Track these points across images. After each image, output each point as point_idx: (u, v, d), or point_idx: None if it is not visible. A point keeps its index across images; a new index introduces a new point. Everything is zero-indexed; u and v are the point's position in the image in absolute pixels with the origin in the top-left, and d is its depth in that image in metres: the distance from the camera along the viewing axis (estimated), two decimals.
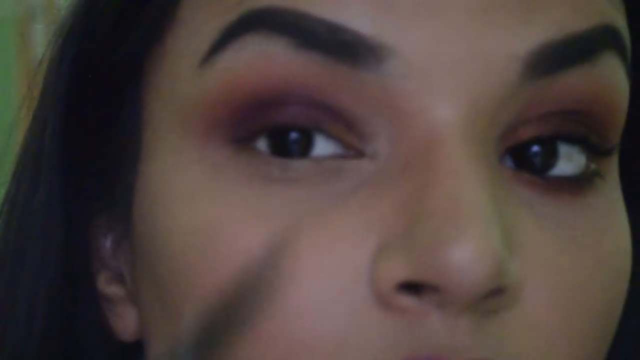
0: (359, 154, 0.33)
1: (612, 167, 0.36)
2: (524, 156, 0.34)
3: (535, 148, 0.34)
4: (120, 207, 0.38)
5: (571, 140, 0.34)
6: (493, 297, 0.30)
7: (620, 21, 0.35)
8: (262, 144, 0.33)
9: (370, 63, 0.32)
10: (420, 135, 0.32)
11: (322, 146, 0.33)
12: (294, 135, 0.33)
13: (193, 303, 0.33)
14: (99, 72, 0.37)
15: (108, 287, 0.39)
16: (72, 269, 0.39)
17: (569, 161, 0.34)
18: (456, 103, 0.32)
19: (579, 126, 0.34)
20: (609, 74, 0.34)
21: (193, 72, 0.34)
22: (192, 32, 0.34)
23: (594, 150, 0.35)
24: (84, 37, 0.37)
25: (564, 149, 0.34)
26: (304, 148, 0.33)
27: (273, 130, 0.33)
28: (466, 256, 0.29)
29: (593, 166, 0.35)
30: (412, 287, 0.31)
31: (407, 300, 0.31)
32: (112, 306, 0.39)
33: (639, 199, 0.40)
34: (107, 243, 0.39)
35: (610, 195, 0.36)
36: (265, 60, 0.32)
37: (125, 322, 0.39)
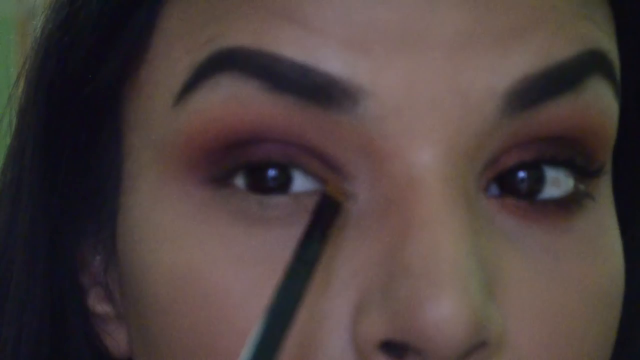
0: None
1: (603, 188, 0.35)
2: (510, 182, 0.33)
3: (522, 174, 0.33)
4: (107, 229, 0.37)
5: (556, 163, 0.33)
6: (476, 351, 0.30)
7: (606, 42, 0.34)
8: (240, 181, 0.32)
9: (344, 105, 0.31)
10: (398, 177, 0.31)
11: (301, 182, 0.32)
12: (271, 172, 0.32)
13: (170, 343, 0.33)
14: (76, 97, 0.37)
15: (99, 305, 0.39)
16: (62, 290, 0.38)
17: (556, 186, 0.34)
18: (434, 144, 0.31)
19: (563, 149, 0.33)
20: (595, 100, 0.33)
21: (167, 111, 0.33)
22: (165, 67, 0.34)
23: (581, 171, 0.34)
24: (58, 65, 0.37)
25: (550, 173, 0.33)
26: (283, 184, 0.32)
27: (250, 168, 0.32)
28: (444, 315, 0.29)
29: (582, 187, 0.34)
30: (393, 348, 0.30)
31: None
32: (104, 325, 0.39)
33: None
34: (97, 261, 0.39)
35: (601, 217, 0.35)
36: (237, 103, 0.32)
37: (116, 341, 0.38)
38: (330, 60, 0.31)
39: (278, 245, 0.32)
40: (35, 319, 0.38)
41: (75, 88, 0.36)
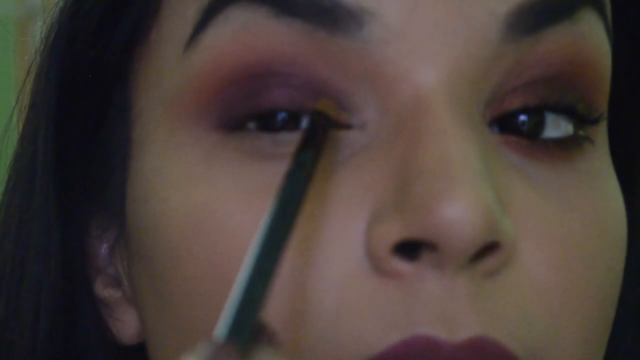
0: (347, 126, 0.33)
1: (600, 135, 0.36)
2: (511, 124, 0.34)
3: (522, 117, 0.34)
4: (113, 208, 0.37)
5: (558, 109, 0.34)
6: (488, 254, 0.30)
7: None
8: (251, 126, 0.33)
9: (349, 28, 0.32)
10: (405, 100, 0.32)
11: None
12: (282, 115, 0.33)
13: (189, 287, 0.33)
14: (86, 75, 0.37)
15: (106, 291, 0.39)
16: (71, 275, 0.39)
17: (556, 129, 0.34)
18: (438, 66, 0.32)
19: (565, 95, 0.34)
20: (589, 32, 0.34)
21: (178, 58, 0.34)
22: (176, 20, 0.34)
23: (581, 119, 0.35)
24: (69, 41, 0.37)
25: (550, 117, 0.34)
26: (293, 125, 0.33)
27: (260, 115, 0.33)
28: (458, 211, 0.29)
29: (581, 133, 0.35)
30: (407, 251, 0.30)
31: (402, 264, 0.30)
32: (111, 310, 0.39)
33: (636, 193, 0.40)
34: (103, 249, 0.39)
35: (600, 161, 0.36)
36: (247, 33, 0.32)
37: (124, 325, 0.38)
38: None
39: None
40: (52, 302, 0.38)
41: (86, 63, 0.37)
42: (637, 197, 0.41)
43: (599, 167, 0.35)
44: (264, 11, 0.32)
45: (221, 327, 0.26)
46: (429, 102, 0.31)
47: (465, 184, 0.30)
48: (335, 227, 0.32)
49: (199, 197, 0.33)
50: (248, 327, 0.27)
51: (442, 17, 0.32)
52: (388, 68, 0.32)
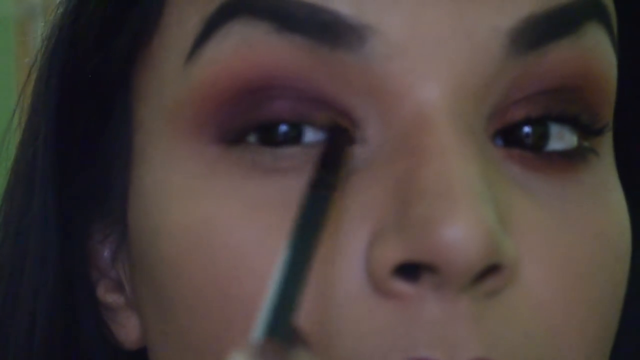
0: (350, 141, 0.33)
1: (606, 146, 0.36)
2: (515, 136, 0.33)
3: (527, 129, 0.34)
4: (115, 214, 0.37)
5: (562, 120, 0.34)
6: (490, 276, 0.30)
7: None
8: (252, 138, 0.33)
9: (351, 44, 0.32)
10: (407, 117, 0.32)
11: (312, 135, 0.33)
12: (283, 127, 0.33)
13: (191, 299, 0.33)
14: (87, 81, 0.37)
15: (108, 295, 0.39)
16: (72, 279, 0.38)
17: (561, 140, 0.34)
18: (441, 82, 0.31)
19: (569, 105, 0.34)
20: (595, 46, 0.34)
21: (179, 70, 0.34)
22: (177, 31, 0.34)
23: (586, 129, 0.34)
24: (70, 47, 0.37)
25: (555, 129, 0.34)
26: (294, 137, 0.33)
27: (261, 127, 0.33)
28: (460, 233, 0.29)
29: (586, 144, 0.34)
30: (408, 272, 0.30)
31: (403, 286, 0.30)
32: (114, 315, 0.39)
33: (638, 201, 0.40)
34: (105, 252, 0.39)
35: (604, 173, 0.35)
36: (248, 48, 0.32)
37: (127, 331, 0.38)
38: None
39: (292, 191, 0.32)
40: (48, 309, 0.38)
41: (88, 69, 0.37)
42: None
43: (603, 179, 0.35)
44: (265, 26, 0.32)
45: (260, 328, 0.27)
46: (431, 119, 0.31)
47: (467, 206, 0.29)
48: (336, 245, 0.32)
49: (201, 212, 0.33)
50: (286, 327, 0.27)
51: (444, 33, 0.32)
52: (390, 84, 0.32)
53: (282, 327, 0.27)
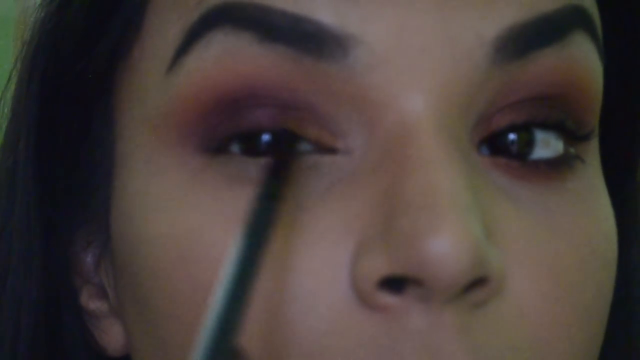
0: (332, 151, 0.32)
1: (592, 151, 0.36)
2: (500, 144, 0.34)
3: (512, 136, 0.34)
4: (98, 221, 0.37)
5: (547, 126, 0.34)
6: (476, 288, 0.30)
7: (587, 1, 0.35)
8: (235, 148, 0.32)
9: (335, 54, 0.32)
10: (391, 127, 0.32)
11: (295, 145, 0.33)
12: (265, 137, 0.32)
13: (174, 311, 0.33)
14: (68, 87, 0.37)
15: (92, 302, 0.39)
16: (55, 286, 0.38)
17: (546, 147, 0.34)
18: (425, 92, 0.32)
19: (554, 111, 0.34)
20: (580, 55, 0.34)
21: (161, 79, 0.34)
22: (158, 40, 0.34)
23: (571, 135, 0.35)
24: (51, 52, 0.37)
25: (540, 135, 0.34)
26: (277, 148, 0.33)
27: (243, 136, 0.32)
28: (445, 247, 0.29)
29: (572, 150, 0.34)
30: (393, 284, 0.30)
31: (388, 298, 0.30)
32: (97, 322, 0.39)
33: (621, 193, 0.40)
34: (88, 258, 0.39)
35: (591, 179, 0.36)
36: (231, 57, 0.32)
37: (110, 338, 0.38)
38: (320, 9, 0.32)
39: None
40: (32, 316, 0.38)
41: (68, 76, 0.36)
42: (627, 213, 0.40)
43: (589, 186, 0.35)
44: (248, 36, 0.32)
45: (198, 353, 0.27)
46: (415, 129, 0.31)
47: (452, 219, 0.30)
48: (320, 257, 0.31)
49: (184, 223, 0.33)
50: (228, 349, 0.27)
51: (428, 42, 0.32)
52: (374, 94, 0.32)
53: (224, 349, 0.27)
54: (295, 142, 0.33)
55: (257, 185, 0.32)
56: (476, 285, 0.31)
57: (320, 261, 0.32)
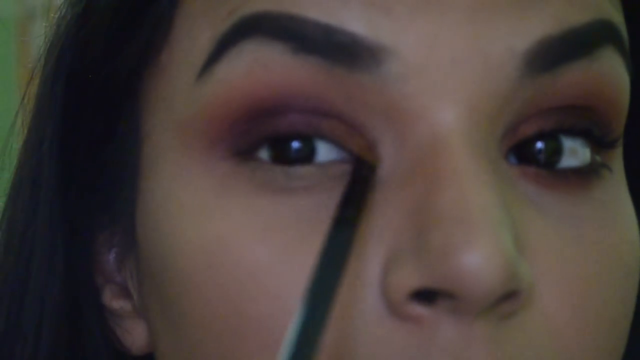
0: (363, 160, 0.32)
1: (617, 159, 0.36)
2: (528, 153, 0.34)
3: (539, 145, 0.34)
4: (121, 222, 0.37)
5: (574, 133, 0.34)
6: (506, 301, 0.30)
7: (616, 16, 0.35)
8: (264, 154, 0.33)
9: (368, 65, 0.32)
10: (423, 138, 0.32)
11: (325, 152, 0.33)
12: (295, 144, 0.33)
13: (202, 320, 0.33)
14: (94, 89, 0.37)
15: (115, 301, 0.39)
16: (77, 285, 0.38)
17: (574, 155, 0.34)
18: (456, 103, 0.32)
19: (581, 120, 0.34)
20: (609, 68, 0.34)
21: (190, 86, 0.34)
22: (188, 45, 0.34)
23: (598, 142, 0.35)
24: (77, 54, 0.37)
25: (567, 143, 0.34)
26: (307, 155, 0.33)
27: (274, 140, 0.33)
28: (479, 262, 0.29)
29: (598, 158, 0.35)
30: (424, 296, 0.30)
31: (419, 309, 0.30)
32: (120, 321, 0.39)
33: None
34: (111, 258, 0.39)
35: (616, 189, 0.36)
36: (262, 68, 0.32)
37: (133, 337, 0.38)
38: (353, 20, 0.31)
39: (305, 211, 0.32)
40: (55, 315, 0.38)
41: (94, 78, 0.36)
42: None
43: (615, 195, 0.35)
44: (280, 47, 0.32)
45: None
46: (446, 140, 0.31)
47: (484, 233, 0.29)
48: (351, 268, 0.31)
49: (213, 230, 0.33)
50: None
51: (460, 54, 0.31)
52: (406, 105, 0.31)
53: None
54: (372, 169, 0.33)
55: (304, 190, 0.32)
56: (506, 297, 0.31)
57: (351, 272, 0.32)
